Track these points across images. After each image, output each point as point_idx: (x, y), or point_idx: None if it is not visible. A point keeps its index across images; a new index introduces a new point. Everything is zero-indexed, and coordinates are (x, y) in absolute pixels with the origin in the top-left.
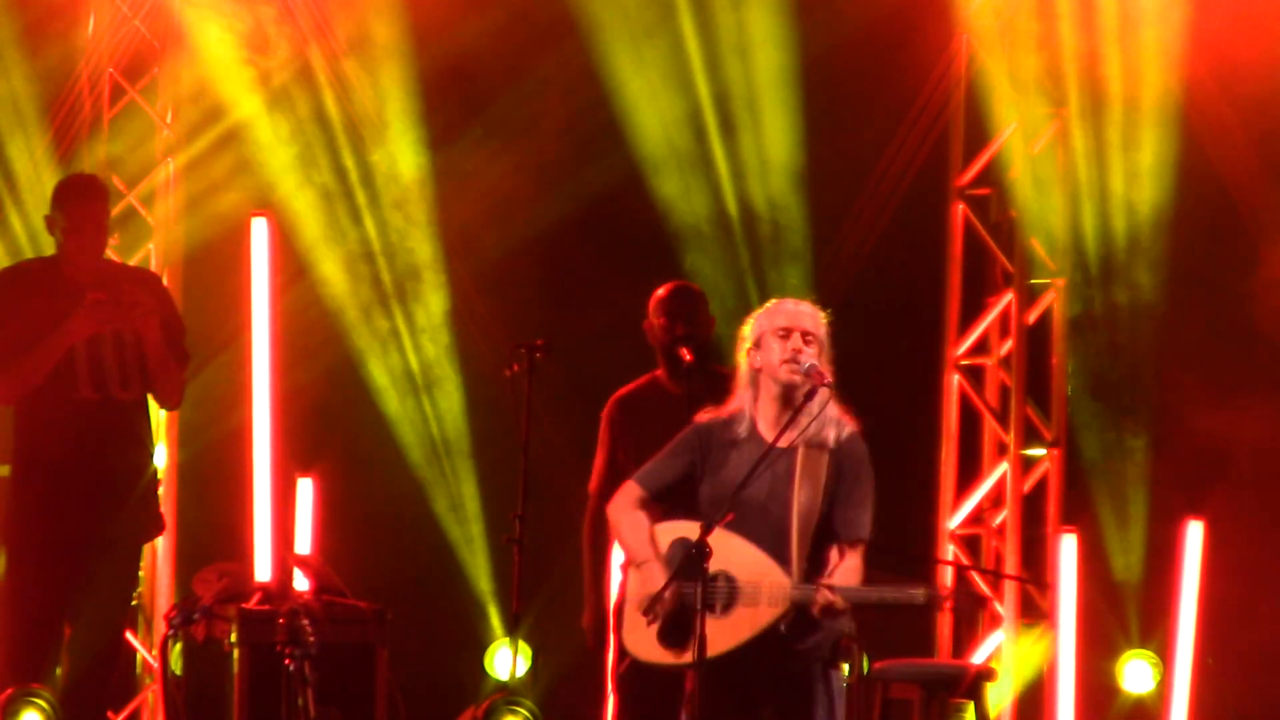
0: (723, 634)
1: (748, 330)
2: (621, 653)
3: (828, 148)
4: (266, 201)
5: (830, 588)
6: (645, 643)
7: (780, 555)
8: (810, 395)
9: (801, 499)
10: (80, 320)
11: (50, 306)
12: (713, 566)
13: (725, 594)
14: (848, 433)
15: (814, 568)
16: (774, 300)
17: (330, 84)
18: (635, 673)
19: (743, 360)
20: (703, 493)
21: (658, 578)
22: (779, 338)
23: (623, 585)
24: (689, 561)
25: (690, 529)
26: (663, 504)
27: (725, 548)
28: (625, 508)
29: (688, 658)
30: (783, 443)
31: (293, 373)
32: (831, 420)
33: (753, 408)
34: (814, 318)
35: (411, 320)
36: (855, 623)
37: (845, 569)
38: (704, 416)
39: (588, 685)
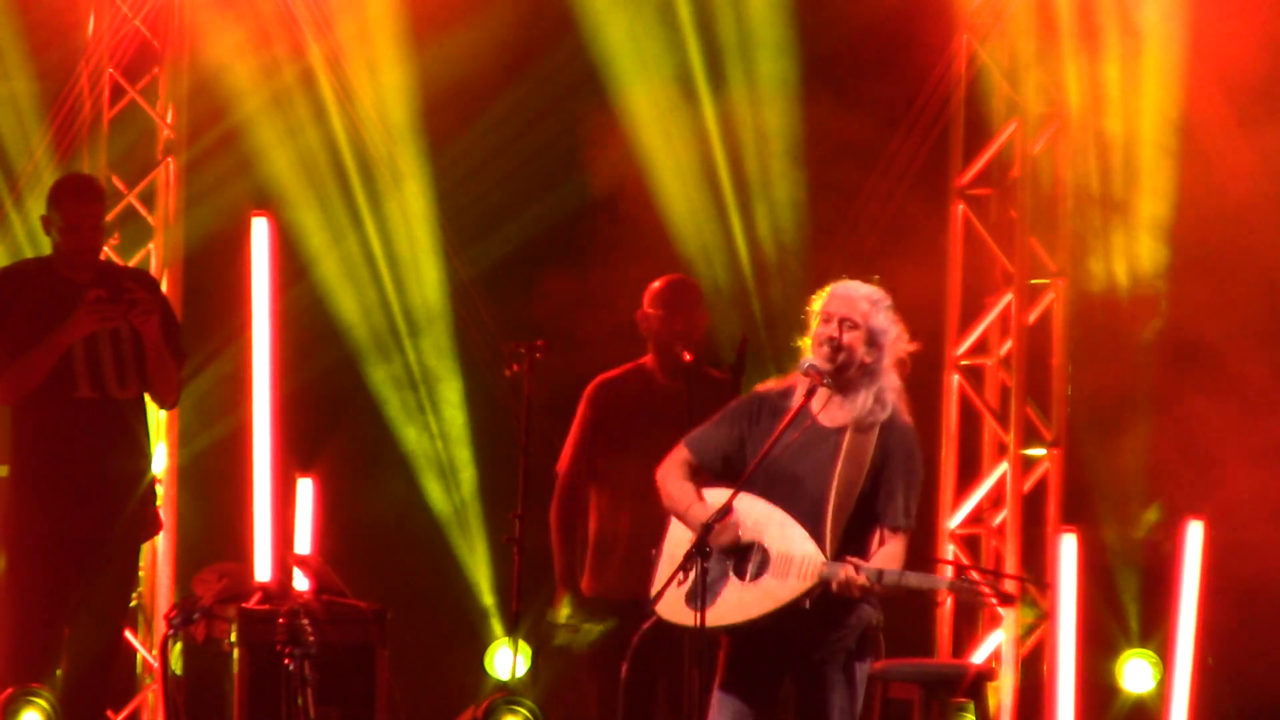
0: (749, 602)
1: (813, 307)
2: (646, 611)
3: (828, 147)
4: (266, 201)
5: (856, 566)
6: (670, 602)
7: (816, 532)
8: (812, 392)
9: (841, 479)
10: (81, 318)
11: (47, 306)
12: (748, 535)
13: (757, 563)
14: (899, 419)
15: (856, 552)
16: (842, 280)
17: (330, 84)
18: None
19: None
20: (739, 462)
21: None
22: (821, 320)
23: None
24: (705, 530)
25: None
26: (712, 472)
27: (765, 518)
28: (673, 473)
29: (710, 616)
30: (827, 423)
31: (293, 373)
32: (884, 404)
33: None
34: (865, 301)
35: (412, 320)
36: (882, 614)
37: (885, 555)
38: (765, 385)
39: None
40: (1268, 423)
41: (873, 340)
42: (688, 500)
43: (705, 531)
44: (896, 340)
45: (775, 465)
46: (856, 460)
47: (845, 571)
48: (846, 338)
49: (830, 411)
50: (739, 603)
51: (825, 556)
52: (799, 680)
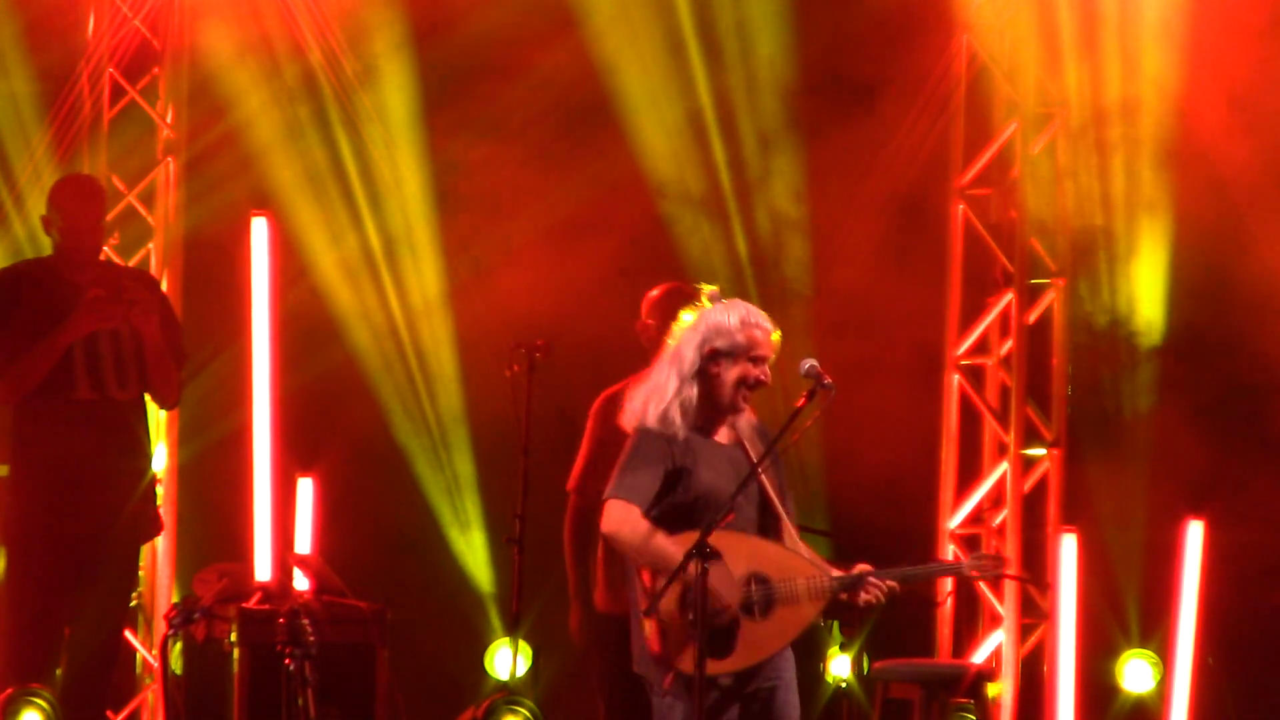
0: (770, 637)
1: (717, 337)
2: (667, 667)
3: (828, 148)
4: (266, 201)
5: (870, 573)
6: (688, 658)
7: (789, 547)
8: (812, 395)
9: (776, 489)
10: (81, 316)
11: (47, 306)
12: (741, 570)
13: (763, 597)
14: (759, 422)
15: None
16: (741, 309)
17: (331, 83)
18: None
19: (691, 355)
20: (675, 498)
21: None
22: (752, 363)
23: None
24: (706, 530)
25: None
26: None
27: (743, 549)
28: (638, 526)
29: (732, 662)
30: (724, 440)
31: (293, 373)
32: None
33: (691, 405)
34: (775, 331)
35: (411, 319)
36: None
37: (799, 548)
38: (644, 418)
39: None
40: (1268, 421)
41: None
42: (669, 544)
43: (706, 531)
44: None
45: (710, 494)
46: (775, 470)
47: (870, 583)
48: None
49: (724, 430)
50: (758, 641)
51: (830, 572)
52: (758, 698)
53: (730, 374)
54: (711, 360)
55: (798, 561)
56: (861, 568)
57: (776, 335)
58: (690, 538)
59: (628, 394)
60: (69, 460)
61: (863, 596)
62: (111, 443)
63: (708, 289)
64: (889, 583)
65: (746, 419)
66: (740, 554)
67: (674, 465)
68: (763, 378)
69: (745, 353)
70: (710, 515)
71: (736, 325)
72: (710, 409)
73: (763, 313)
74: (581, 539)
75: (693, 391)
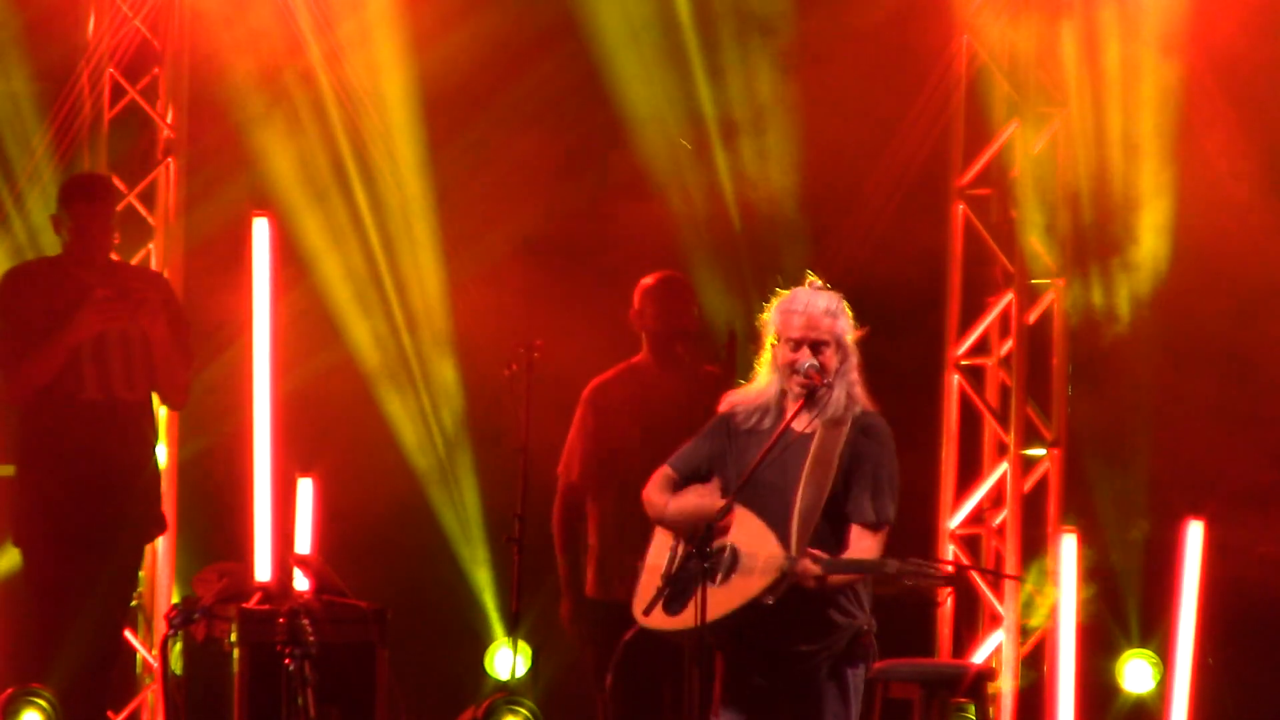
0: (717, 601)
1: (770, 325)
2: (630, 620)
3: (828, 148)
4: (266, 201)
5: (813, 558)
6: (652, 610)
7: (784, 533)
8: (812, 394)
9: (809, 480)
10: (88, 316)
11: (56, 306)
12: (719, 540)
13: (727, 565)
14: (871, 416)
15: (833, 551)
16: (790, 294)
17: (330, 84)
18: (639, 647)
19: (769, 351)
20: (731, 479)
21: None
22: (790, 348)
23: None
24: (700, 544)
25: (713, 495)
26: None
27: (739, 525)
28: (658, 488)
29: (683, 622)
30: (800, 428)
31: (293, 373)
32: (854, 399)
33: (782, 398)
34: (827, 317)
35: (411, 320)
36: (873, 620)
37: (855, 550)
38: (731, 403)
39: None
40: (1268, 419)
41: (840, 347)
42: (692, 501)
43: (707, 531)
44: (852, 334)
45: (753, 474)
46: (825, 460)
47: (802, 563)
48: (820, 359)
49: (802, 417)
50: (710, 603)
51: (790, 553)
52: (791, 691)
53: (782, 360)
54: (777, 354)
55: (768, 540)
56: (812, 552)
57: (822, 302)
58: (691, 492)
59: (618, 380)
60: (75, 460)
61: (790, 575)
62: (118, 443)
63: (811, 277)
64: (816, 568)
65: (840, 407)
66: (734, 529)
67: (729, 445)
68: (798, 360)
69: (780, 337)
70: (722, 508)
71: (776, 309)
72: (787, 398)
73: (827, 297)
74: (570, 525)
75: (773, 385)
